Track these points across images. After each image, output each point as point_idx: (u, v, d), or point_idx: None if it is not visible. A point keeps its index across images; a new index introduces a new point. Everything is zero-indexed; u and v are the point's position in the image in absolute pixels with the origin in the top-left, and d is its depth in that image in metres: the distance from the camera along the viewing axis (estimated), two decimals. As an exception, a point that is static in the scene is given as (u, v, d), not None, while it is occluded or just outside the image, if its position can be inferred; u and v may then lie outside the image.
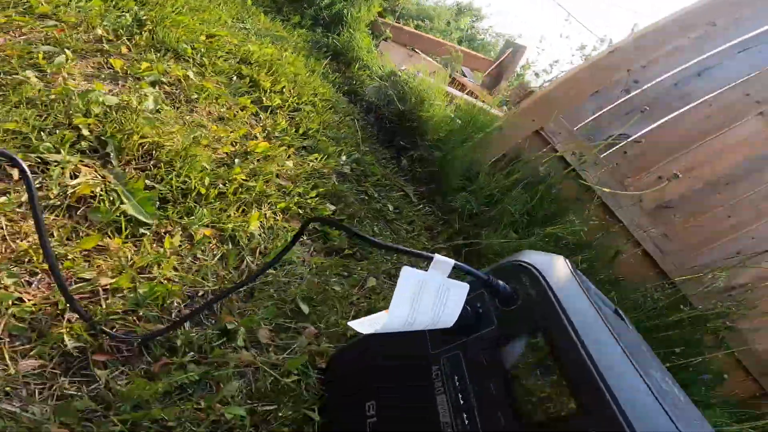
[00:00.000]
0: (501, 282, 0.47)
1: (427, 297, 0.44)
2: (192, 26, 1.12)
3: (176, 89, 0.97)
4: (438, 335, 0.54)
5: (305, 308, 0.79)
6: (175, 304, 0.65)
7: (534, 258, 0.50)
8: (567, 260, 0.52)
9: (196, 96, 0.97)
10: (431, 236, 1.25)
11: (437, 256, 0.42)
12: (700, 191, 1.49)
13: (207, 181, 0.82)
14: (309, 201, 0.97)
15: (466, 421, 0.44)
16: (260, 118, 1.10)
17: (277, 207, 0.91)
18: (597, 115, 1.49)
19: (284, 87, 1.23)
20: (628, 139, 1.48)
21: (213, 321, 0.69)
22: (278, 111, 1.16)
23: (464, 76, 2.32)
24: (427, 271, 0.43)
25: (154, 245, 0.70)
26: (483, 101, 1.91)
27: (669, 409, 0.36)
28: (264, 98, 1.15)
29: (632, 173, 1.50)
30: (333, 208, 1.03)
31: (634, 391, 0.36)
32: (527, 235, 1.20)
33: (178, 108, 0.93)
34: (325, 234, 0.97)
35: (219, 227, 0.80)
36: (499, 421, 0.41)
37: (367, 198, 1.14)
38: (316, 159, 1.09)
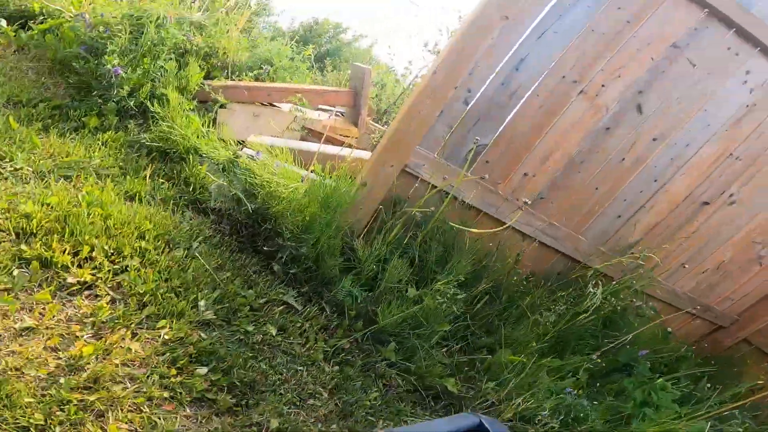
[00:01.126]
0: None
1: None
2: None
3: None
4: None
5: None
6: None
7: None
8: None
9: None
10: (328, 335, 1.28)
11: None
12: (562, 175, 1.75)
13: (38, 416, 0.81)
14: (172, 380, 0.94)
15: None
16: (76, 306, 1.00)
17: (138, 402, 0.92)
18: (450, 133, 1.61)
19: (93, 249, 1.11)
20: (485, 148, 1.63)
21: None
22: (96, 285, 1.05)
23: (324, 110, 2.33)
24: None
25: None
26: (347, 136, 1.95)
27: None
28: (68, 277, 1.04)
29: (501, 178, 1.68)
30: (205, 370, 1.01)
31: None
32: (421, 296, 1.28)
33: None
34: (204, 397, 0.99)
35: None
36: None
37: (243, 336, 1.11)
38: (166, 326, 1.02)
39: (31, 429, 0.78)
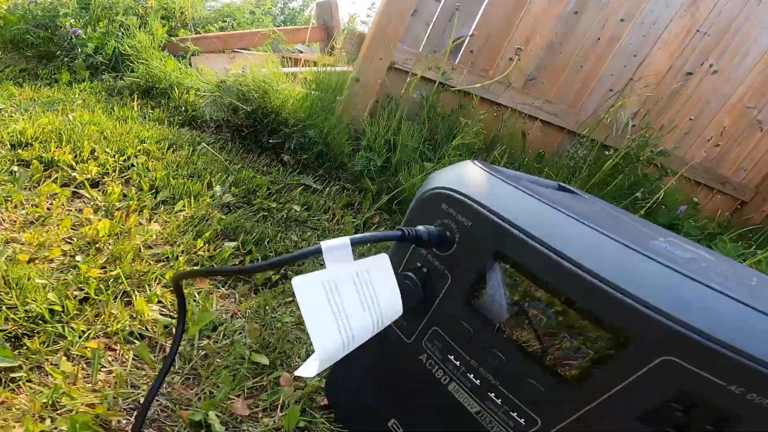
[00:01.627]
0: (421, 228, 0.43)
1: (348, 298, 0.36)
2: None
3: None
4: (402, 322, 0.50)
5: (263, 359, 0.72)
6: (118, 422, 0.58)
7: (443, 178, 0.47)
8: (476, 161, 0.49)
9: (-26, 212, 0.78)
10: (355, 211, 1.23)
11: (324, 244, 0.35)
12: (546, 57, 1.78)
13: (54, 297, 0.70)
14: (200, 253, 0.87)
15: (499, 400, 0.40)
16: (86, 198, 0.94)
17: (166, 278, 0.80)
18: (429, 30, 1.63)
19: (94, 151, 1.05)
20: (467, 39, 1.66)
21: (177, 420, 0.61)
22: (103, 180, 0.99)
23: (301, 52, 2.33)
24: (324, 268, 0.36)
25: (37, 384, 0.59)
26: (327, 65, 1.94)
27: (694, 272, 0.32)
28: (75, 174, 0.97)
29: (488, 65, 1.70)
30: (233, 244, 0.95)
31: (645, 271, 0.32)
32: (439, 158, 1.27)
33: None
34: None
35: (107, 332, 0.69)
36: (533, 386, 0.37)
37: (266, 213, 1.06)
38: (184, 206, 0.97)
39: (46, 315, 0.66)
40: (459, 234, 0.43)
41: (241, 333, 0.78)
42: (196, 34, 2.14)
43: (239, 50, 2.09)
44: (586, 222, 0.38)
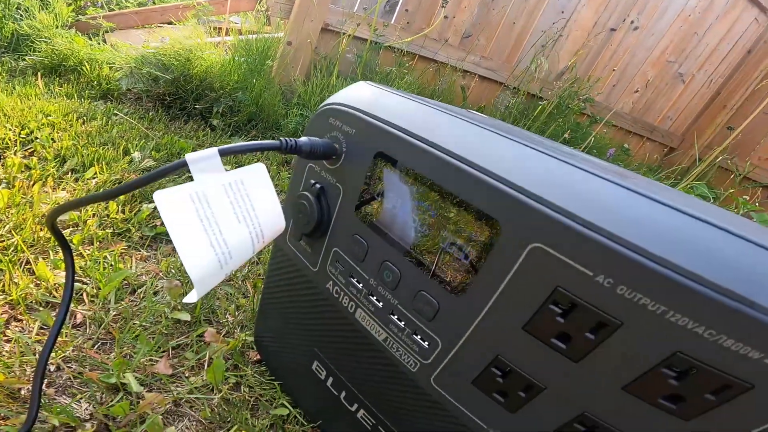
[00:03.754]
0: (303, 139, 0.40)
1: (219, 210, 0.33)
2: None
3: None
4: (305, 248, 0.48)
5: (185, 316, 0.68)
6: (28, 390, 0.52)
7: (332, 97, 0.45)
8: (369, 82, 0.47)
9: None
10: (292, 168, 1.18)
11: (189, 156, 0.31)
12: (479, 14, 1.76)
13: None
14: (114, 216, 0.80)
15: (401, 323, 0.37)
16: (-20, 171, 0.84)
17: (74, 243, 0.72)
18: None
19: (-10, 125, 0.94)
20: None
21: (90, 385, 0.55)
22: (4, 154, 0.89)
23: (235, 23, 2.18)
24: (192, 180, 0.32)
25: None
26: (253, 32, 1.83)
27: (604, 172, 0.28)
28: None
29: (423, 23, 1.67)
30: (152, 206, 0.89)
31: (540, 167, 0.27)
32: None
33: None
34: (161, 235, 0.82)
35: (10, 302, 0.62)
36: (428, 300, 0.34)
37: (192, 176, 0.99)
38: (96, 173, 0.88)
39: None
40: (346, 144, 0.41)
41: (162, 293, 0.73)
42: (109, 12, 1.93)
43: (161, 25, 1.91)
44: (468, 119, 0.35)
